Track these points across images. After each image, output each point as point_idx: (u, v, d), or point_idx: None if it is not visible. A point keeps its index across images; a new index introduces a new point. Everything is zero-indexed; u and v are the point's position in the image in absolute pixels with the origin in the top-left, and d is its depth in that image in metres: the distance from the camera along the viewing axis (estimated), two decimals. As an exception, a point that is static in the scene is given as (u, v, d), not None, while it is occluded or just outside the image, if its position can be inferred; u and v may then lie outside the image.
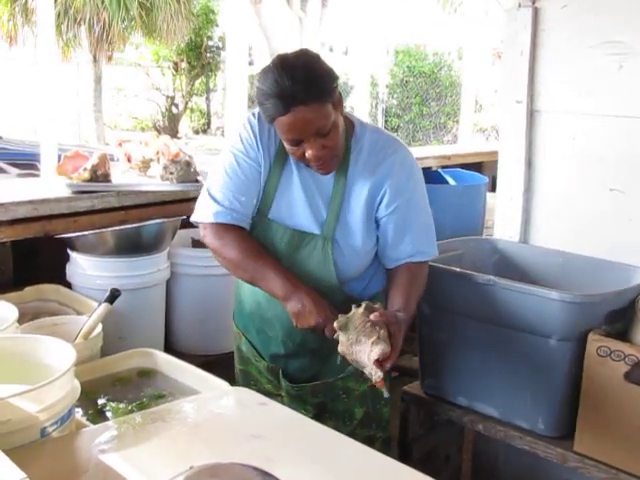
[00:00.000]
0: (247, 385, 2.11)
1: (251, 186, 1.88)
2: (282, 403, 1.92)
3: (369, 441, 2.01)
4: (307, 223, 1.88)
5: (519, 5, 2.43)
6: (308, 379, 2.03)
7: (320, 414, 2.02)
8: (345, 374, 2.00)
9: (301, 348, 2.00)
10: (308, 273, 1.86)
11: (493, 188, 2.99)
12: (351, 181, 1.87)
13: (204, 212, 1.89)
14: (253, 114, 1.91)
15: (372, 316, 1.64)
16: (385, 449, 2.06)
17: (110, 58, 14.12)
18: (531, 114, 2.46)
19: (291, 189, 1.89)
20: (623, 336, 1.93)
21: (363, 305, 1.68)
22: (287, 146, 1.79)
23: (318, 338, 1.90)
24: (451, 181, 4.10)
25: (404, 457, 2.31)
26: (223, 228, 1.86)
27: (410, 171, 1.91)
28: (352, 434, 1.91)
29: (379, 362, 1.61)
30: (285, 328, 1.95)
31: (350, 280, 1.92)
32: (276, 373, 2.06)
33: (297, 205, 1.89)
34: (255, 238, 1.90)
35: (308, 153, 1.74)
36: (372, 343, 1.61)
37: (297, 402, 2.05)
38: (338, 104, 1.76)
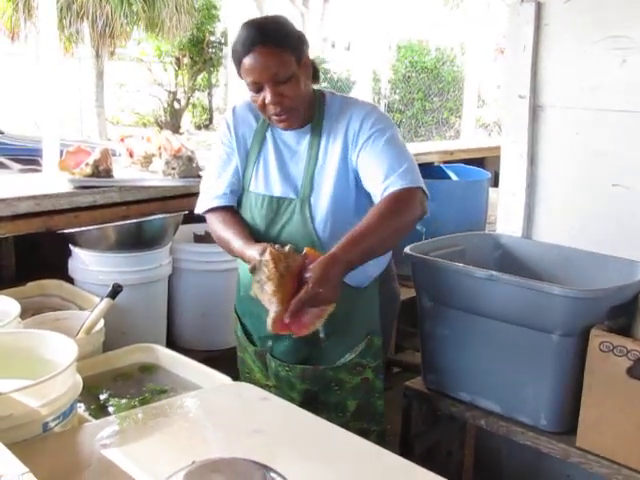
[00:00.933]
0: (243, 373, 2.21)
1: (226, 166, 2.05)
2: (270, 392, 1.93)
3: (363, 434, 2.00)
4: (283, 189, 1.98)
5: (522, 0, 2.42)
6: (297, 363, 2.05)
7: (307, 403, 2.03)
8: (337, 365, 2.03)
9: None
10: (290, 236, 1.93)
11: (496, 183, 2.99)
12: (325, 144, 1.96)
13: (198, 205, 2.09)
14: (230, 109, 2.12)
15: (282, 268, 1.69)
16: (380, 442, 2.06)
17: (112, 53, 14.10)
18: (534, 109, 2.46)
19: (267, 161, 2.02)
20: (626, 331, 1.93)
21: (285, 249, 1.73)
22: (251, 95, 1.90)
23: None
24: (454, 176, 4.09)
25: (406, 452, 2.31)
26: (211, 213, 2.04)
27: (370, 112, 1.95)
28: (345, 426, 1.94)
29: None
30: None
31: (332, 243, 1.88)
32: (264, 359, 2.10)
33: (272, 174, 2.00)
34: (242, 213, 2.03)
35: (266, 99, 1.85)
36: (271, 294, 1.67)
37: (284, 388, 2.08)
38: (304, 66, 1.89)
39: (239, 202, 2.05)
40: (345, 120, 1.94)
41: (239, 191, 2.05)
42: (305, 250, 1.77)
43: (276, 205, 1.97)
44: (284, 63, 1.83)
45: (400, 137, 1.98)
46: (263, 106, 1.89)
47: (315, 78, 2.02)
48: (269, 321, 1.67)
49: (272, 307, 1.68)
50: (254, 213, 2.00)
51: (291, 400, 1.97)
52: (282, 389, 2.08)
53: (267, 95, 1.85)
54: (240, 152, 2.04)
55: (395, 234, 1.83)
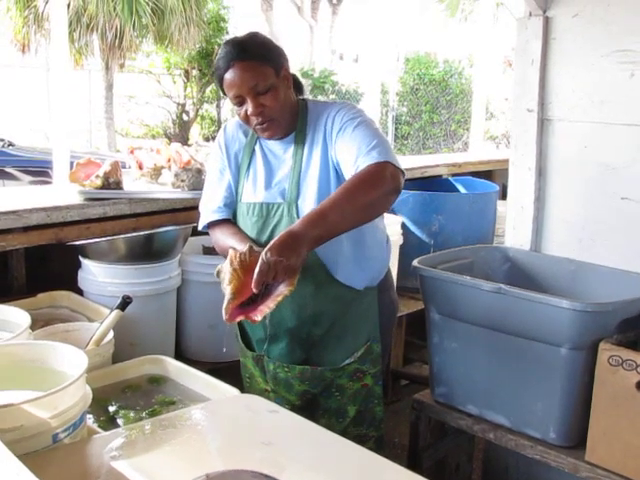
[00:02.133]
0: (244, 378, 2.27)
1: (219, 182, 2.14)
2: (269, 399, 1.97)
3: (361, 440, 2.11)
4: (272, 195, 2.05)
5: (530, 14, 2.44)
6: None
7: (306, 407, 2.09)
8: (336, 367, 2.07)
9: (280, 328, 2.08)
10: None
11: (504, 196, 2.99)
12: (309, 149, 2.03)
13: (199, 223, 2.18)
14: (222, 129, 2.22)
15: (236, 264, 1.81)
16: (378, 448, 2.14)
17: (122, 65, 14.18)
18: (542, 122, 2.46)
19: (257, 172, 2.10)
20: (635, 346, 1.92)
21: (244, 249, 1.84)
22: (235, 109, 2.00)
23: (293, 316, 2.02)
24: (462, 189, 4.10)
25: (414, 465, 2.31)
26: (211, 228, 2.14)
27: (342, 108, 2.02)
28: (344, 432, 2.02)
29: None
30: None
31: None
32: (262, 363, 2.15)
33: (261, 183, 2.07)
34: (236, 223, 2.11)
35: (248, 110, 1.94)
36: (225, 287, 1.81)
37: (282, 391, 2.12)
38: (284, 78, 1.98)
39: (234, 214, 2.12)
40: (323, 123, 2.02)
41: (233, 204, 2.13)
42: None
43: (265, 211, 2.03)
44: (262, 75, 1.92)
45: (372, 123, 2.01)
46: (246, 118, 1.98)
47: (299, 90, 2.12)
48: (223, 310, 1.77)
49: (226, 297, 1.78)
50: (246, 221, 2.07)
51: (289, 403, 2.07)
52: (280, 392, 2.13)
53: (249, 107, 1.94)
54: (232, 167, 2.13)
55: (363, 209, 1.83)
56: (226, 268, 1.84)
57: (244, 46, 1.94)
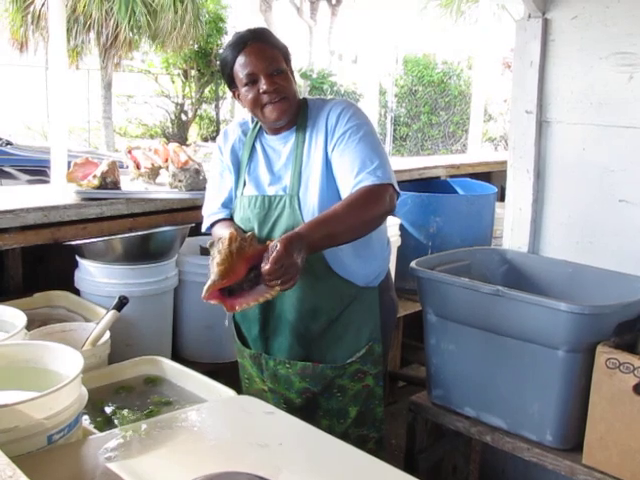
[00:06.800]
0: (243, 380, 2.28)
1: (220, 186, 2.18)
2: (267, 399, 1.97)
3: (362, 440, 2.12)
4: (273, 188, 2.07)
5: (529, 16, 2.43)
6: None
7: (307, 406, 2.10)
8: (337, 365, 2.07)
9: (279, 321, 2.08)
10: (281, 230, 2.01)
11: (502, 198, 2.99)
12: (309, 143, 2.05)
13: (203, 225, 2.22)
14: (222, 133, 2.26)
15: (234, 247, 1.79)
16: (378, 449, 2.15)
17: (118, 65, 14.14)
18: (540, 124, 2.46)
19: (257, 166, 2.12)
20: (632, 348, 1.92)
21: (246, 234, 1.87)
22: (245, 90, 2.00)
23: (292, 309, 2.03)
24: (460, 191, 4.10)
25: (411, 467, 2.30)
26: (212, 227, 2.17)
27: (347, 107, 2.04)
28: (345, 433, 2.03)
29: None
30: None
31: None
32: (259, 361, 2.15)
33: (262, 176, 2.10)
34: (237, 216, 2.12)
35: (261, 88, 1.96)
36: (215, 265, 1.78)
37: (281, 388, 2.12)
38: (291, 71, 2.04)
39: (234, 208, 2.14)
40: (324, 117, 2.04)
41: (232, 204, 2.15)
42: (267, 242, 1.84)
43: (268, 203, 2.05)
44: (276, 57, 1.99)
45: (375, 133, 2.06)
46: (256, 99, 1.99)
47: None
48: (205, 287, 1.75)
49: (212, 276, 1.76)
50: (248, 213, 2.08)
51: (289, 402, 2.08)
52: (279, 391, 2.13)
53: (262, 84, 1.96)
54: (233, 164, 2.16)
55: (361, 225, 1.92)
56: (221, 247, 1.81)
57: (257, 31, 2.03)
